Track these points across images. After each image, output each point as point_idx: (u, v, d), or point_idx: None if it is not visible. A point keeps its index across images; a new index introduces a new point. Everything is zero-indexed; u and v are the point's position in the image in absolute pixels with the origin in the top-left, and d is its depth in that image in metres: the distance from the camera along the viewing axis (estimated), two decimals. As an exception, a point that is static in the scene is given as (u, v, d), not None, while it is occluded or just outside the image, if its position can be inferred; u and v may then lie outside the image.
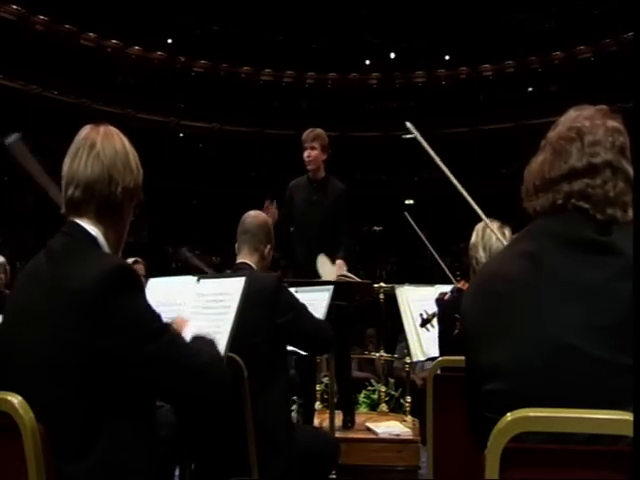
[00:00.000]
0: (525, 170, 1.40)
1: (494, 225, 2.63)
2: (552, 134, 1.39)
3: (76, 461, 1.42)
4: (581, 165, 1.30)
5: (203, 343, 1.69)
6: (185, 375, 1.53)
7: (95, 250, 1.54)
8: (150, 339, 1.48)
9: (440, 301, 2.80)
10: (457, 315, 2.08)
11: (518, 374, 1.21)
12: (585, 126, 1.33)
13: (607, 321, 1.17)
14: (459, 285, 2.82)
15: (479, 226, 2.68)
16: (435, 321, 2.95)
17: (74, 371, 1.42)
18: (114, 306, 1.43)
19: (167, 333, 1.53)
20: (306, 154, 4.28)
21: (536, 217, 1.35)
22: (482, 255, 2.62)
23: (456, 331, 2.16)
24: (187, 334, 1.69)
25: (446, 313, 2.72)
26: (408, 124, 1.98)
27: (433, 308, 2.95)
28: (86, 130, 1.61)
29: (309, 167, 4.33)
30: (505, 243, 2.50)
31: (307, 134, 4.34)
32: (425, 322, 3.08)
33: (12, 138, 1.89)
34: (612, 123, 1.35)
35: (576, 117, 1.37)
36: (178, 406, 1.60)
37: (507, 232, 2.63)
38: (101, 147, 1.56)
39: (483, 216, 2.04)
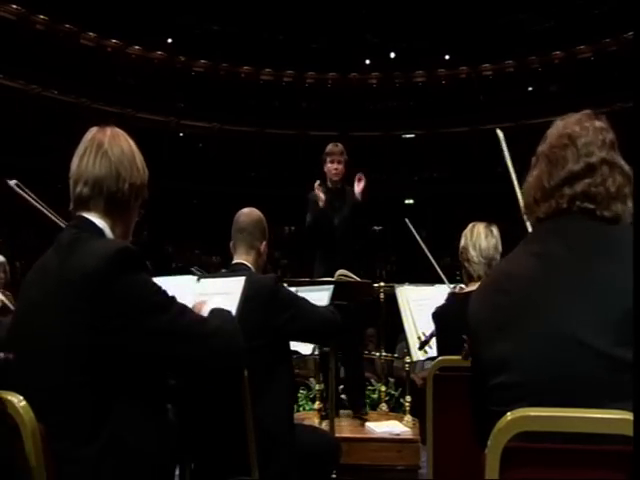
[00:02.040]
0: (523, 187, 1.45)
1: (481, 225, 2.66)
2: (543, 147, 1.43)
3: (85, 445, 1.44)
4: (579, 167, 1.35)
5: (218, 315, 1.71)
6: (193, 343, 1.55)
7: (100, 237, 1.59)
8: (158, 313, 1.51)
9: (436, 314, 2.80)
10: (464, 336, 2.07)
11: (523, 367, 1.23)
12: (575, 130, 1.39)
13: (613, 316, 1.19)
14: (455, 291, 2.83)
15: (467, 229, 2.70)
16: (433, 341, 2.94)
17: (85, 354, 1.45)
18: (119, 286, 1.47)
19: (173, 306, 1.56)
20: (334, 166, 4.46)
21: (540, 223, 1.39)
22: (473, 254, 2.63)
23: (463, 353, 2.14)
24: (205, 312, 1.72)
25: (442, 317, 2.71)
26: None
27: (431, 328, 2.93)
28: (93, 131, 1.67)
29: (334, 178, 4.49)
30: (494, 240, 2.56)
31: (334, 147, 4.51)
32: (423, 344, 3.06)
33: None
34: (599, 123, 1.41)
35: (564, 125, 1.42)
36: (188, 377, 1.66)
37: (494, 230, 2.67)
38: (109, 146, 1.62)
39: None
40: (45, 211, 2.54)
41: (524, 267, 1.33)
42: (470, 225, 2.68)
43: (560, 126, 1.43)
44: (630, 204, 1.33)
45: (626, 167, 1.37)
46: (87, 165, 1.60)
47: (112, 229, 1.62)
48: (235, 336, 1.67)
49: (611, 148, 1.37)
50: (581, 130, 1.38)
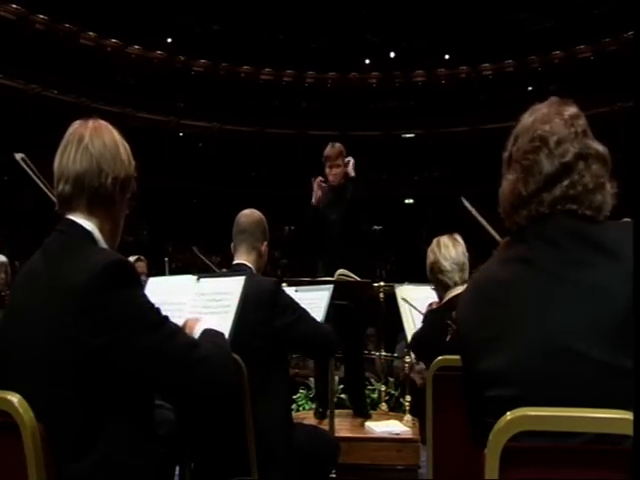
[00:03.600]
0: (499, 192, 1.38)
1: (444, 238, 2.73)
2: (514, 149, 1.37)
3: (75, 460, 1.41)
4: (554, 169, 1.30)
5: (211, 337, 1.64)
6: (178, 369, 1.48)
7: (91, 246, 1.53)
8: (147, 332, 1.45)
9: (415, 340, 2.82)
10: (449, 321, 2.09)
11: (519, 379, 1.21)
12: (545, 130, 1.32)
13: (607, 322, 1.16)
14: (432, 307, 2.84)
15: (432, 245, 2.75)
16: None
17: (72, 369, 1.41)
18: (110, 301, 1.42)
19: (165, 326, 1.51)
20: (332, 172, 4.41)
21: (522, 228, 1.34)
22: (446, 264, 2.67)
23: (448, 337, 2.15)
24: (197, 331, 1.66)
25: (420, 344, 2.74)
26: (464, 200, 2.04)
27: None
28: (75, 125, 1.60)
29: (333, 183, 4.43)
30: (460, 247, 2.59)
31: (331, 151, 4.44)
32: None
33: None
34: (568, 111, 1.35)
35: (532, 124, 1.35)
36: (176, 402, 1.55)
37: (458, 237, 2.73)
38: (89, 140, 1.55)
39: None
40: (43, 186, 2.40)
41: (512, 275, 1.29)
42: (434, 241, 2.74)
43: (529, 125, 1.36)
44: (608, 187, 1.30)
45: (600, 148, 1.32)
46: (67, 161, 1.53)
47: (100, 229, 1.55)
48: (226, 364, 1.59)
49: (584, 136, 1.32)
50: (551, 128, 1.32)
